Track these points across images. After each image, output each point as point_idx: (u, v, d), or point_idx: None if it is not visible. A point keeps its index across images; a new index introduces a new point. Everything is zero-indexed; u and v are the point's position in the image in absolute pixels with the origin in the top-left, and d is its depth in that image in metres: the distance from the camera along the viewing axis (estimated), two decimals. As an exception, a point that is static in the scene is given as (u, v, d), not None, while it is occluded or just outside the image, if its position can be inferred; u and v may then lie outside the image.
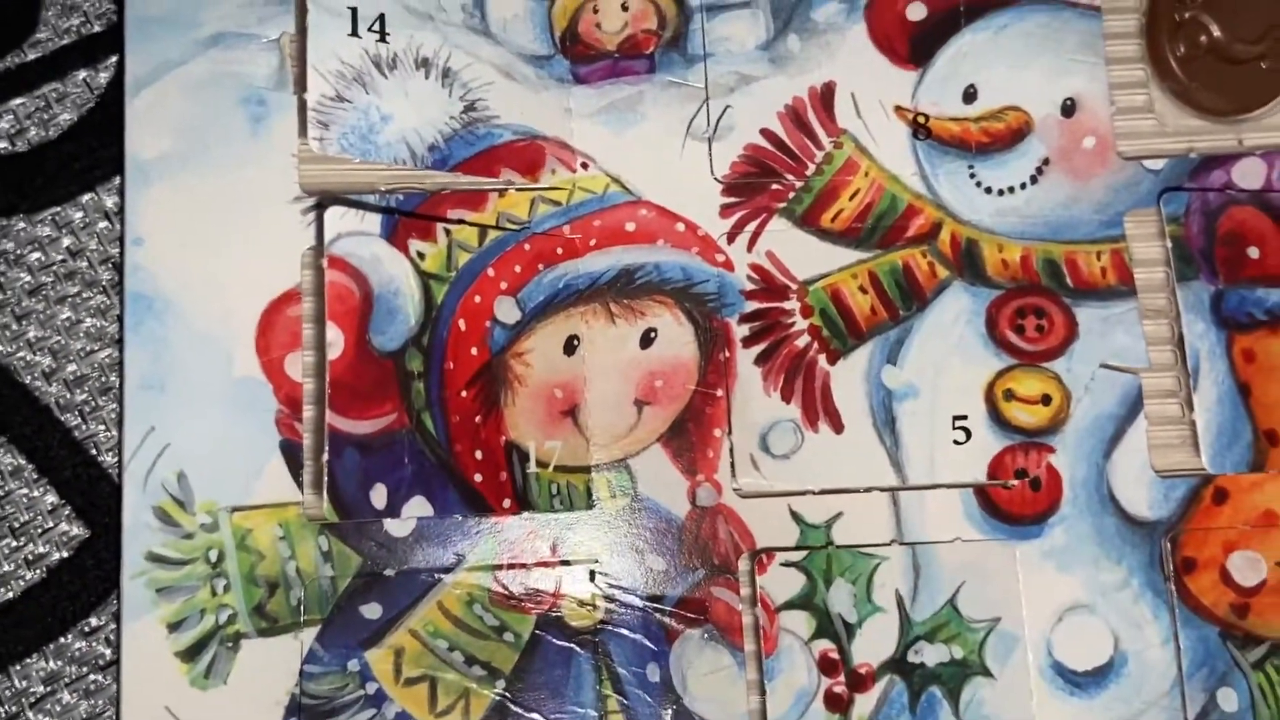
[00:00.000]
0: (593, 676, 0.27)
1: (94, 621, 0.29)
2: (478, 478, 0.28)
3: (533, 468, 0.28)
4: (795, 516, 0.28)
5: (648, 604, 0.28)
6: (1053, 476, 0.29)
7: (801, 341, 0.29)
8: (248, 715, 0.26)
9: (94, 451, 0.30)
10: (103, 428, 0.30)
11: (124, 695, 0.26)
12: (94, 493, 0.29)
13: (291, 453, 0.28)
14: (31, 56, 0.31)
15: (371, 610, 0.27)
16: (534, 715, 0.27)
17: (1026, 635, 0.28)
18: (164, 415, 0.27)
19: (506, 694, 0.27)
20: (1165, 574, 0.28)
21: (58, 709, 0.29)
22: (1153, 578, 0.28)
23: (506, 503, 0.28)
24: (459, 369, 0.28)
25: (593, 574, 0.28)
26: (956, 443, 0.28)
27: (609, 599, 0.28)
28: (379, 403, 0.27)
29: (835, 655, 0.27)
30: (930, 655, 0.28)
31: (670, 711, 0.27)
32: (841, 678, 0.27)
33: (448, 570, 0.27)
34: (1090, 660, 0.28)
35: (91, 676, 0.29)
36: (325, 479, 0.27)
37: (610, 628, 0.27)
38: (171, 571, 0.27)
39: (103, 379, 0.30)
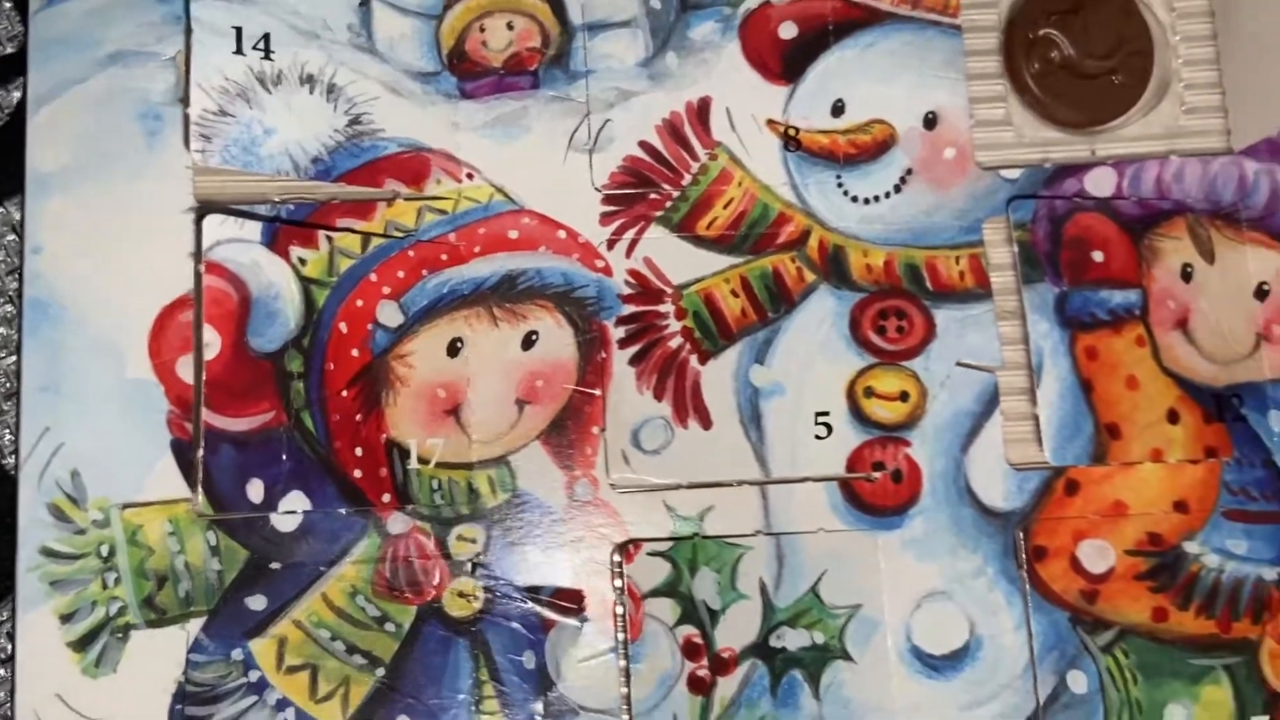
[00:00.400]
0: (470, 664, 0.28)
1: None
2: (357, 473, 0.29)
3: (414, 464, 0.29)
4: (669, 509, 0.30)
5: (525, 595, 0.29)
6: (913, 470, 0.30)
7: (675, 342, 0.30)
8: (136, 703, 0.27)
9: (-6, 454, 0.31)
10: (7, 431, 0.31)
11: (18, 684, 0.27)
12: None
13: (182, 451, 0.29)
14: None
15: (256, 602, 0.28)
16: (411, 701, 0.28)
17: (886, 621, 0.29)
18: (59, 416, 0.29)
19: (386, 681, 0.28)
20: (1019, 562, 0.30)
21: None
22: (1006, 566, 0.30)
23: (386, 497, 0.29)
24: (339, 369, 0.29)
25: (473, 566, 0.29)
26: (818, 437, 0.30)
27: (488, 590, 0.29)
28: (256, 401, 0.29)
29: (699, 640, 0.29)
30: (792, 640, 0.29)
31: (544, 698, 0.28)
32: (705, 662, 0.29)
33: (332, 563, 0.29)
34: (947, 644, 0.29)
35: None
36: (200, 474, 0.28)
37: (489, 617, 0.29)
38: (64, 565, 0.28)
39: (6, 384, 0.31)
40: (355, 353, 0.29)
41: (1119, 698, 0.29)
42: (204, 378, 0.28)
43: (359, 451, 0.29)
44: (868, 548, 0.29)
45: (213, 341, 0.29)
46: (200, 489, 0.28)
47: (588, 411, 0.30)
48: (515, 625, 0.29)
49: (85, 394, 0.29)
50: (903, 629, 0.29)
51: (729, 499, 0.30)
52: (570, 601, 0.29)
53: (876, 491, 0.30)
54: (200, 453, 0.28)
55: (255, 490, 0.28)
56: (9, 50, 0.33)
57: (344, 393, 0.29)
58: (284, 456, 0.28)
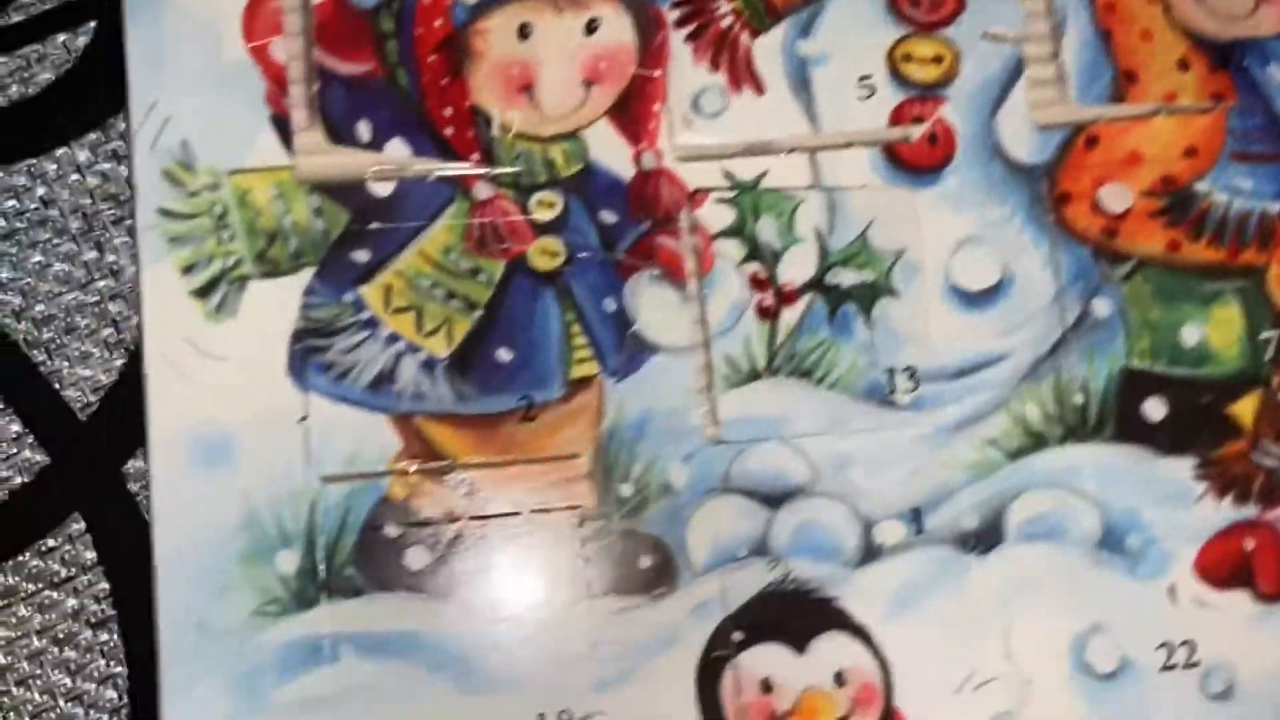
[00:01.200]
0: (557, 308, 0.31)
1: (50, 542, 0.32)
2: (448, 131, 0.31)
3: (496, 131, 0.32)
4: (726, 175, 0.32)
5: (603, 250, 0.32)
6: (946, 134, 0.33)
7: (726, 22, 0.33)
8: (259, 341, 0.30)
9: (58, 385, 0.32)
10: (66, 364, 0.32)
11: (147, 329, 0.30)
12: (55, 424, 0.32)
13: (281, 125, 0.31)
14: (15, 19, 0.33)
15: (361, 255, 0.31)
16: (508, 335, 0.31)
17: (927, 263, 0.32)
18: (165, 91, 0.31)
19: (485, 319, 0.31)
20: (1046, 209, 0.33)
21: (14, 620, 0.31)
22: (1034, 213, 0.33)
23: (475, 156, 0.31)
24: (426, 36, 0.32)
25: (554, 226, 0.32)
26: (861, 99, 0.32)
27: (570, 246, 0.32)
28: (359, 50, 0.31)
29: (764, 276, 0.32)
30: (845, 278, 0.32)
31: (623, 335, 0.31)
32: (770, 293, 0.32)
33: (426, 224, 0.31)
34: (982, 282, 0.32)
35: (46, 593, 0.31)
36: (316, 105, 0.31)
37: (571, 269, 0.32)
38: (181, 224, 0.31)
39: (68, 320, 0.33)
40: (439, 23, 0.32)
41: (1138, 319, 0.32)
42: (313, 20, 0.31)
43: (448, 111, 0.31)
44: (907, 202, 0.32)
45: (318, -9, 0.31)
46: (320, 121, 0.31)
47: (649, 89, 0.33)
48: (595, 276, 0.31)
49: (188, 72, 0.31)
50: (941, 270, 0.32)
51: (781, 163, 0.32)
52: (643, 255, 0.32)
53: (915, 153, 0.33)
54: (316, 87, 0.30)
55: (364, 129, 0.31)
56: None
57: (431, 57, 0.31)
58: (385, 104, 0.31)
